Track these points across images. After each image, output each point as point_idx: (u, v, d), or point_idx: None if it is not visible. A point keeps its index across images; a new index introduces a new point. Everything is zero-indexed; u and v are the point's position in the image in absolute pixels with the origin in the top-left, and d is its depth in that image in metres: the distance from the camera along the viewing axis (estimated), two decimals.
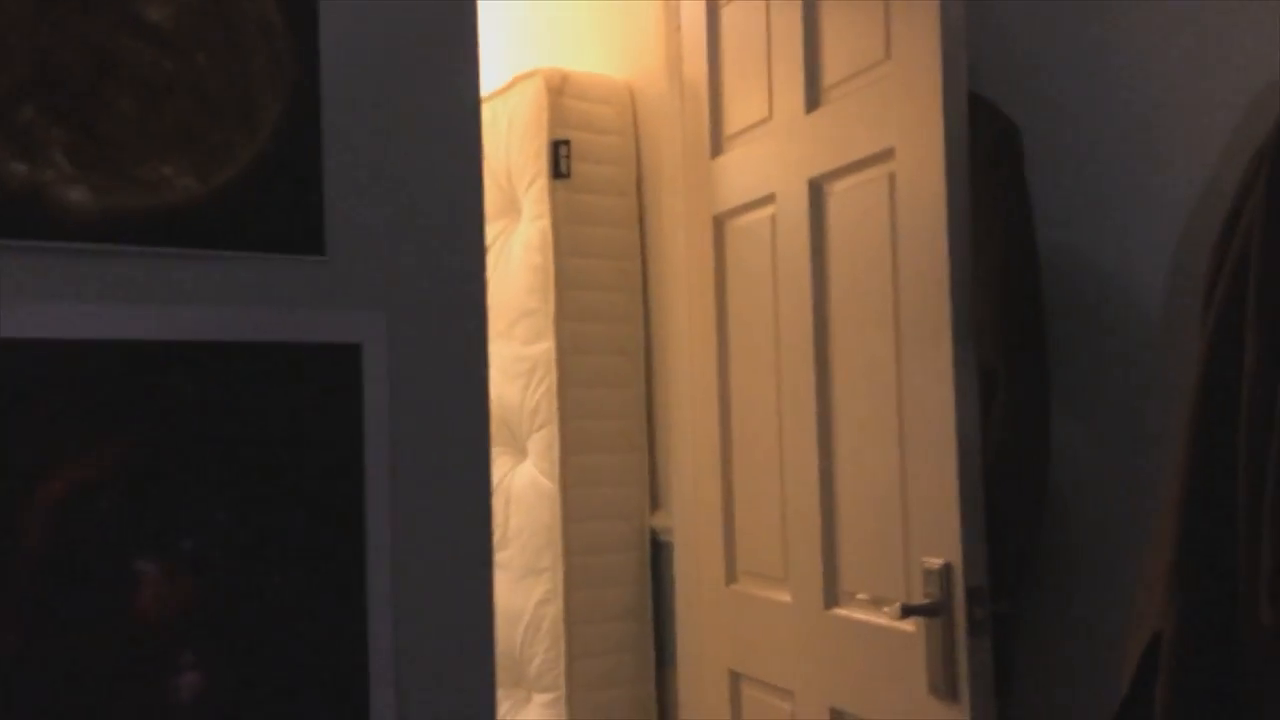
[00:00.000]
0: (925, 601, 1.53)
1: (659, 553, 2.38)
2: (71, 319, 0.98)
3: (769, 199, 1.96)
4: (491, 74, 2.75)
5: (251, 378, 1.05)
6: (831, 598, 1.77)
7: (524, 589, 2.38)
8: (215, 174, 1.04)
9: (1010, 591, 1.61)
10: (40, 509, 0.95)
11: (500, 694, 2.44)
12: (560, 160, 2.40)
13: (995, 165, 1.62)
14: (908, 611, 1.53)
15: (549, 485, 2.34)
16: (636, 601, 2.37)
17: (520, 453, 2.46)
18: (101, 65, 1.00)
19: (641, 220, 2.47)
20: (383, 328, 1.12)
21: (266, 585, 1.04)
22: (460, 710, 1.13)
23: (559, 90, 2.42)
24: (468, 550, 1.15)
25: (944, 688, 1.50)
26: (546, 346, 2.37)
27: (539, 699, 2.34)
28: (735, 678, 2.05)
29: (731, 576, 2.07)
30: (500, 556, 2.48)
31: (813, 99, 1.86)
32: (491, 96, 2.59)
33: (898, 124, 1.64)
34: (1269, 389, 1.12)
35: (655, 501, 2.41)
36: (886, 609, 1.56)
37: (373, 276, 1.13)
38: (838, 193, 1.80)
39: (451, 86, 1.19)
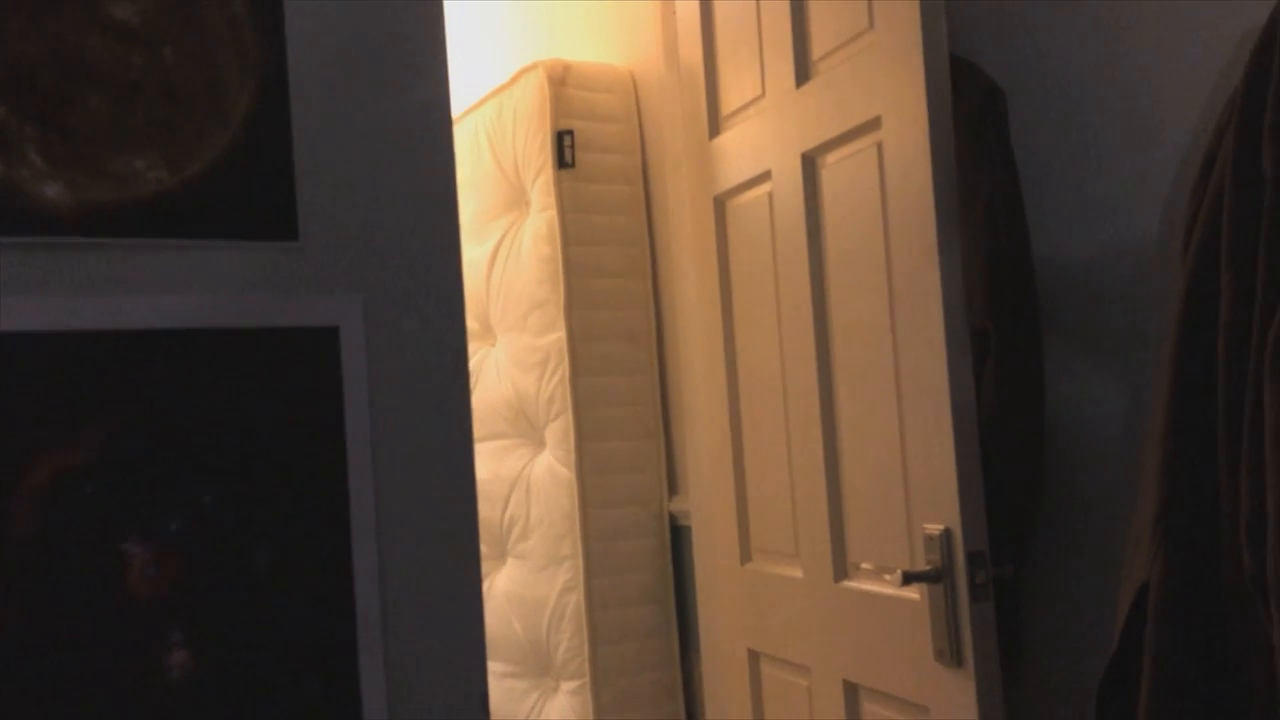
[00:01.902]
0: (926, 568, 1.52)
1: (679, 537, 2.39)
2: (52, 311, 1.01)
3: (765, 176, 1.97)
4: (496, 70, 2.78)
5: (231, 362, 1.07)
6: (840, 570, 1.77)
7: (547, 578, 2.40)
8: (186, 165, 1.07)
9: (1013, 555, 1.60)
10: (28, 495, 0.99)
11: (528, 683, 2.47)
12: (565, 150, 2.42)
13: (979, 127, 1.61)
14: (909, 579, 1.52)
15: (566, 473, 2.36)
16: (658, 586, 2.38)
17: (539, 443, 2.49)
18: (71, 64, 1.03)
19: (648, 206, 2.49)
20: (360, 310, 1.14)
21: (252, 564, 1.06)
22: (450, 682, 1.15)
23: (561, 81, 2.44)
24: (453, 525, 1.17)
25: (949, 654, 1.50)
26: (558, 336, 2.38)
27: (565, 686, 2.35)
28: (754, 656, 2.06)
29: (746, 555, 2.08)
30: (523, 546, 2.51)
31: (802, 72, 1.86)
32: (496, 92, 2.61)
33: (883, 93, 1.63)
34: (1243, 329, 1.11)
35: (674, 486, 2.42)
36: (888, 576, 1.55)
37: (348, 261, 1.15)
38: (830, 165, 1.80)
39: (420, 72, 1.20)
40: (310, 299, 1.12)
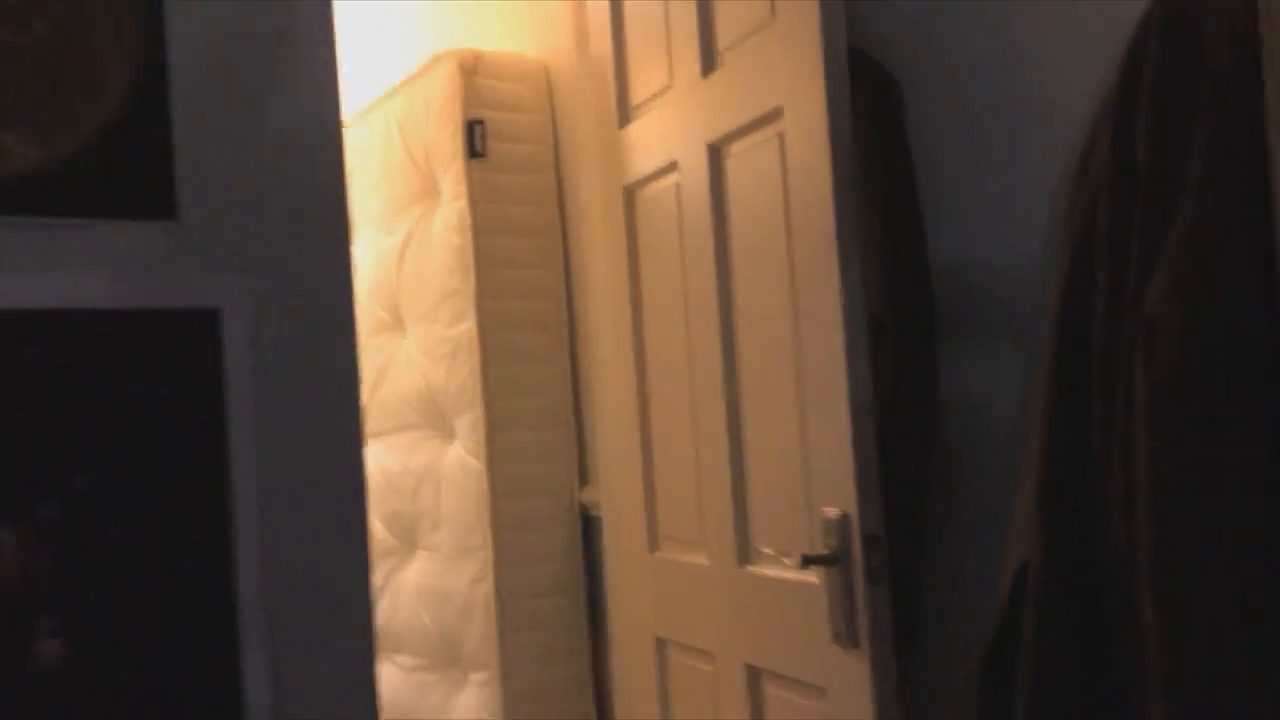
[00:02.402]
0: (825, 552, 1.54)
1: (590, 527, 2.39)
2: None
3: (672, 166, 1.97)
4: (408, 61, 2.75)
5: (106, 344, 1.05)
6: (744, 555, 1.78)
7: (456, 569, 2.39)
8: (59, 143, 1.04)
9: (910, 538, 1.63)
10: None
11: (436, 675, 2.45)
12: (475, 140, 2.40)
13: (875, 119, 1.63)
14: (808, 562, 1.54)
15: (476, 464, 2.34)
16: (568, 577, 2.38)
17: (449, 435, 2.47)
18: None
19: (560, 197, 2.48)
20: (243, 293, 1.12)
21: (128, 551, 1.04)
22: (339, 671, 1.14)
23: (472, 70, 2.42)
24: (341, 511, 1.15)
25: (845, 636, 1.52)
26: (469, 326, 2.37)
27: (474, 677, 2.34)
28: (661, 644, 2.07)
29: (654, 544, 2.08)
30: (434, 539, 2.49)
31: (708, 62, 1.87)
32: (408, 81, 2.59)
33: (784, 84, 1.65)
34: (1117, 315, 1.14)
35: (585, 477, 2.42)
36: (787, 560, 1.57)
37: (231, 242, 1.13)
38: (734, 155, 1.81)
39: (307, 49, 1.19)
40: (189, 280, 1.10)
